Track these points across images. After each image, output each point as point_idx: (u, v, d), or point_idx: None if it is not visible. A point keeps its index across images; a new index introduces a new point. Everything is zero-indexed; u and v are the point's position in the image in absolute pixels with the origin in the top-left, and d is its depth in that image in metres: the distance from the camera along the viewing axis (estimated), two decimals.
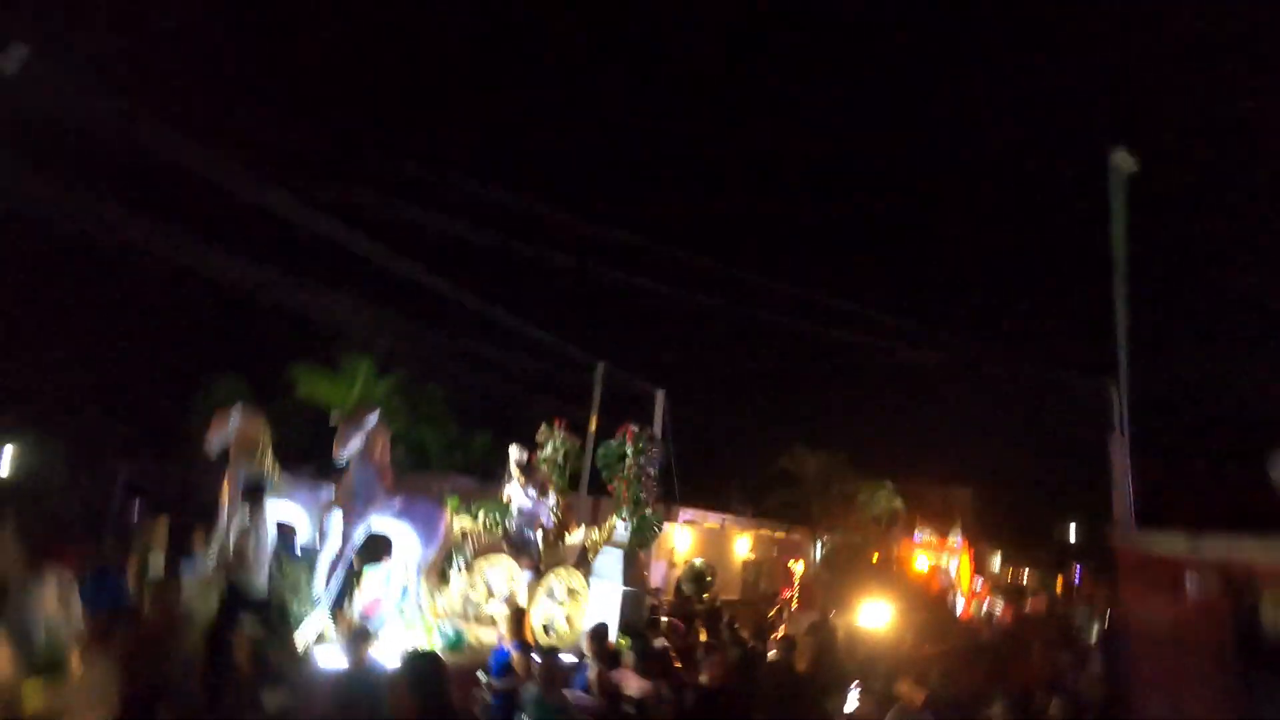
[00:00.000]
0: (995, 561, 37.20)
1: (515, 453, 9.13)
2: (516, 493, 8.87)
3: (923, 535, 27.38)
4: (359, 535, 6.64)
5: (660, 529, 9.53)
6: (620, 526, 9.31)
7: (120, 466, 18.49)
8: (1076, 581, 31.19)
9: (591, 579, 9.03)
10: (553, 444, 9.38)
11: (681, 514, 25.98)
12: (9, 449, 21.65)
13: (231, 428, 7.26)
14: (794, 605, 11.95)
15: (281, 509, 7.22)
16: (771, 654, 8.10)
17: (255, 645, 6.31)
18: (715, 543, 28.01)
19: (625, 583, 8.96)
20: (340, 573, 6.50)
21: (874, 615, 11.97)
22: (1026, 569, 38.46)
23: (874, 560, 23.38)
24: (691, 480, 27.79)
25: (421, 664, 3.44)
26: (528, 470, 9.01)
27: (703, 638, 9.58)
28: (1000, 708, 5.50)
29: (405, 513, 7.06)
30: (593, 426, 20.94)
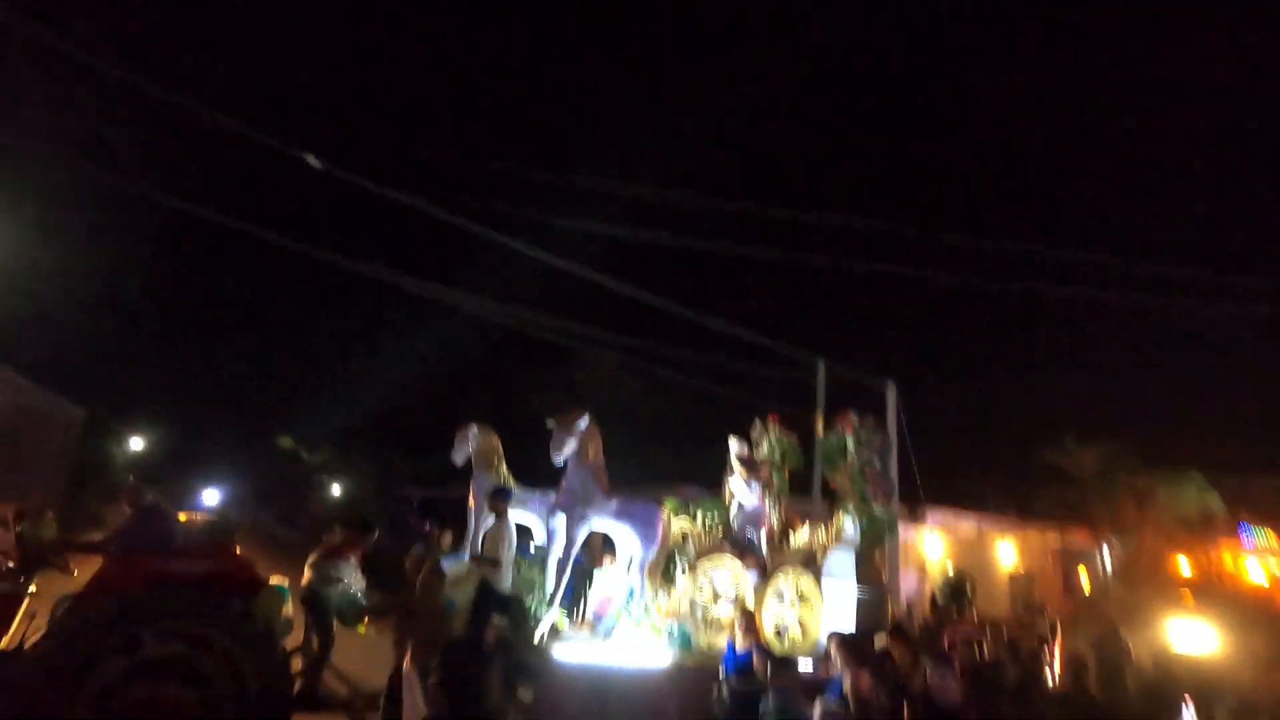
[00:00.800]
0: None
1: (735, 445, 8.90)
2: (738, 487, 8.65)
3: (1256, 538, 22.43)
4: (581, 535, 6.95)
5: (895, 528, 8.74)
6: (848, 525, 8.68)
7: (414, 492, 22.59)
8: None
9: (823, 579, 8.53)
10: (767, 441, 9.05)
11: (929, 516, 23.90)
12: (335, 484, 27.56)
13: (471, 443, 8.07)
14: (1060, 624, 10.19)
15: (517, 515, 7.81)
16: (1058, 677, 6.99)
17: (502, 637, 6.84)
18: (973, 549, 25.34)
19: (859, 582, 8.33)
20: (568, 571, 6.84)
21: (1191, 637, 9.87)
22: None
23: (1183, 571, 19.54)
24: (938, 480, 25.61)
25: None
26: (748, 464, 8.77)
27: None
28: None
29: (623, 513, 7.25)
30: (819, 428, 20.01)
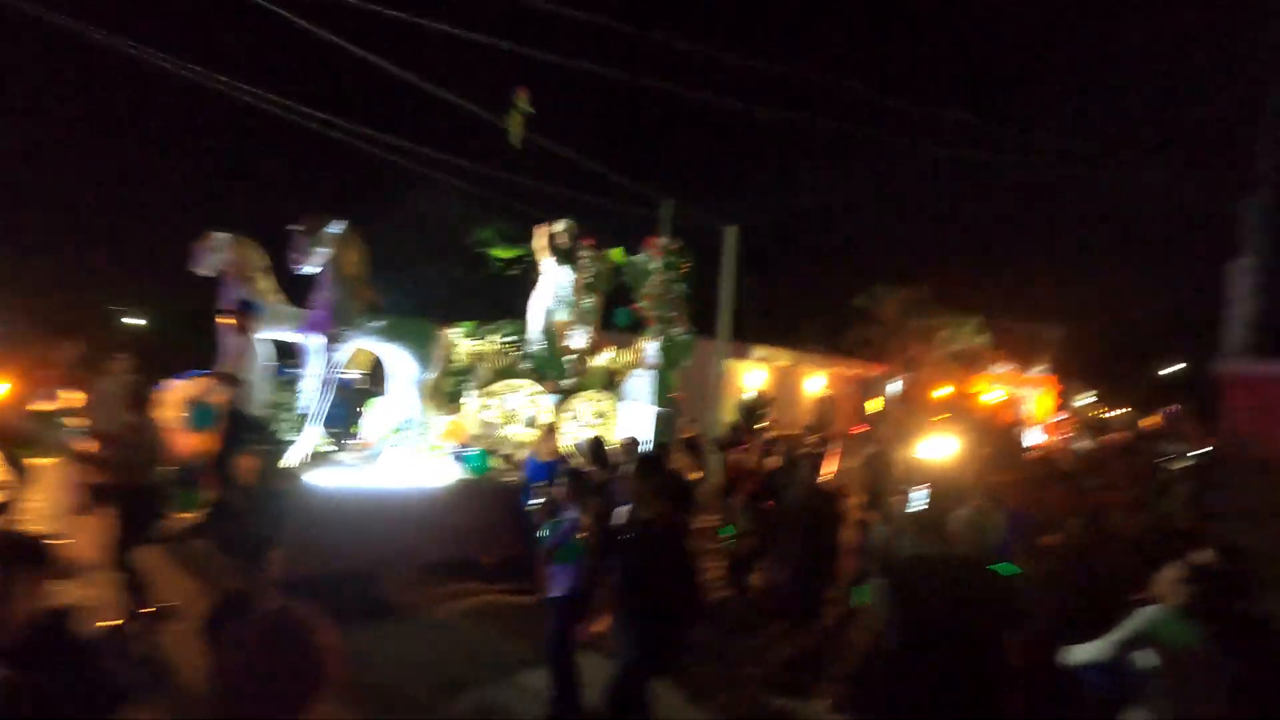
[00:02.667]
0: (1086, 399, 34.75)
1: (562, 225, 8.21)
2: (550, 269, 8.02)
3: (1000, 368, 25.38)
4: (341, 355, 5.94)
5: (691, 351, 8.50)
6: (649, 348, 8.34)
7: None
8: (1171, 417, 28.77)
9: (621, 402, 8.24)
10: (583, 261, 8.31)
11: (753, 351, 25.05)
12: None
13: (221, 254, 6.68)
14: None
15: (278, 333, 6.69)
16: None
17: (261, 464, 5.96)
18: (788, 381, 27.08)
19: (657, 404, 8.11)
20: (327, 394, 5.87)
21: (935, 448, 10.89)
22: (1118, 409, 35.87)
23: (944, 395, 21.81)
24: (764, 318, 26.60)
25: None
26: (571, 248, 8.12)
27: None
28: (1075, 525, 4.94)
29: (393, 333, 6.29)
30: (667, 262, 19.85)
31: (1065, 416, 26.41)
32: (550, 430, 6.74)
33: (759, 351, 25.10)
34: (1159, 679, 2.97)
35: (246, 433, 5.80)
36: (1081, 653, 3.27)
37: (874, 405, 28.75)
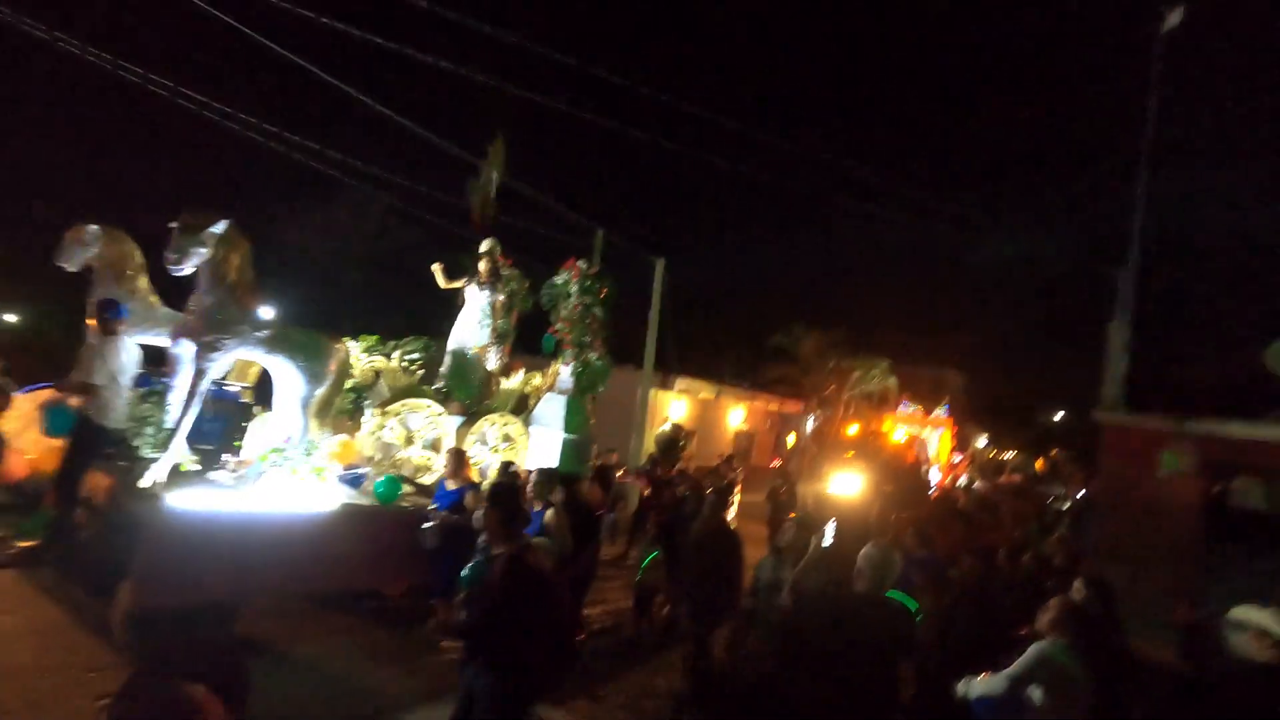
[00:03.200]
0: (980, 441, 36.46)
1: (487, 244, 7.81)
2: (475, 295, 7.62)
3: (906, 409, 26.28)
4: (214, 366, 5.30)
5: (607, 376, 8.21)
6: (564, 372, 8.01)
7: None
8: (1054, 462, 30.47)
9: (532, 427, 7.85)
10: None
11: (677, 383, 25.05)
12: None
13: (92, 248, 5.99)
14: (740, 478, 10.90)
15: (153, 339, 6.02)
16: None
17: (114, 483, 5.28)
18: (710, 413, 27.16)
19: (567, 430, 7.75)
20: (192, 408, 5.22)
21: (845, 484, 11.14)
22: (1010, 452, 37.80)
23: (854, 433, 22.33)
24: (689, 350, 26.76)
25: None
26: (492, 268, 7.75)
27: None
28: (969, 562, 5.16)
29: (279, 345, 5.70)
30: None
31: (962, 458, 27.51)
32: (460, 455, 6.29)
33: (682, 383, 25.16)
34: (1044, 710, 3.15)
35: (99, 446, 5.13)
36: (979, 687, 3.38)
37: (790, 440, 29.26)
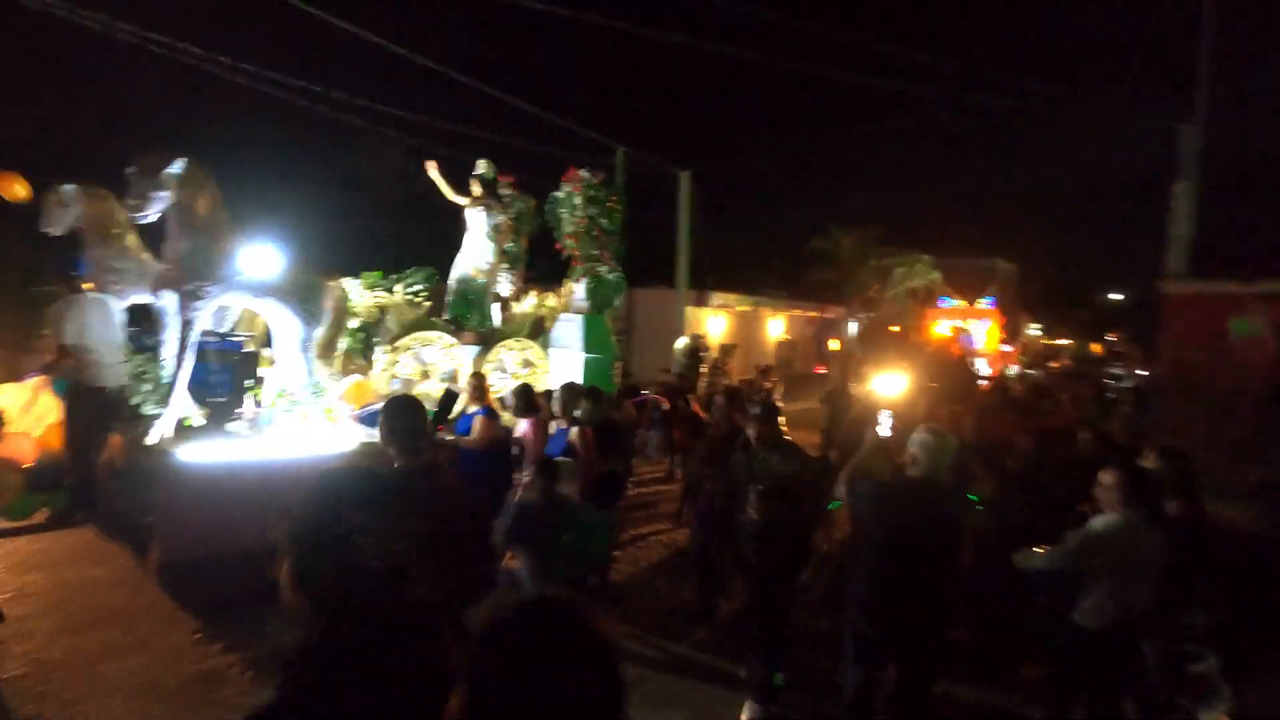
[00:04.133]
0: (1033, 329, 34.86)
1: (481, 165, 7.21)
2: (475, 217, 7.09)
3: (950, 303, 25.07)
4: (200, 314, 4.98)
5: (623, 290, 7.66)
6: (578, 290, 7.52)
7: None
8: (1112, 345, 28.92)
9: (551, 349, 7.45)
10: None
11: (713, 298, 24.34)
12: None
13: (72, 209, 5.65)
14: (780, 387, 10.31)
15: (147, 298, 5.73)
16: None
17: (127, 442, 5.12)
18: (749, 326, 26.48)
19: (588, 350, 7.32)
20: (190, 359, 4.95)
21: (890, 385, 10.51)
22: (1065, 339, 36.08)
23: (899, 332, 21.44)
24: (724, 265, 25.89)
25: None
26: (488, 186, 7.13)
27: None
28: (1025, 443, 5.08)
29: (268, 288, 5.34)
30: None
31: (1013, 348, 26.33)
32: (481, 380, 5.86)
33: (719, 298, 24.45)
34: (1104, 580, 3.09)
35: (93, 407, 4.94)
36: (1036, 559, 3.32)
37: (833, 345, 28.47)
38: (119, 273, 5.75)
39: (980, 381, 15.57)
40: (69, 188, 5.66)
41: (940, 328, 22.97)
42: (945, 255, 28.82)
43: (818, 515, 4.02)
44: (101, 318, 5.31)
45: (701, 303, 23.57)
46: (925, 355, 15.58)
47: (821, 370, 24.08)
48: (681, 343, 7.27)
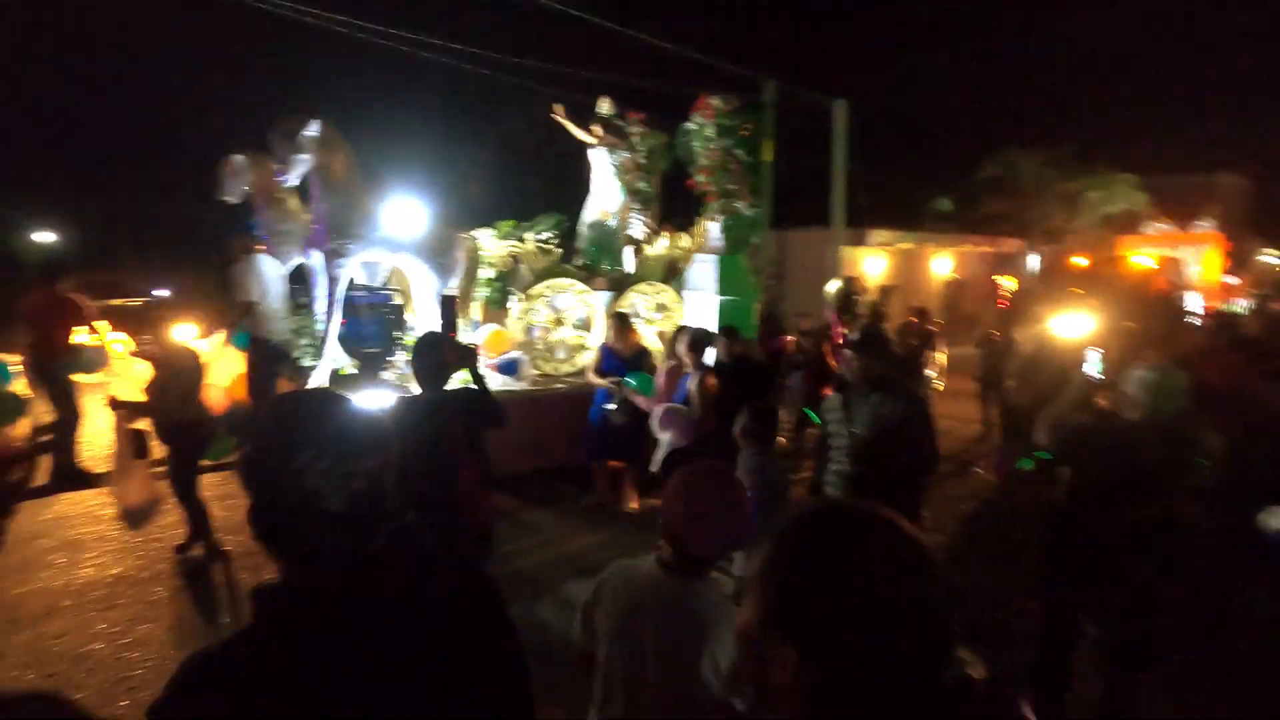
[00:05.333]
0: (1269, 255, 28.84)
1: (604, 104, 6.81)
2: (599, 158, 6.74)
3: (1156, 228, 21.20)
4: (343, 271, 5.11)
5: (763, 227, 6.96)
6: (713, 229, 6.97)
7: None
8: None
9: (685, 292, 7.02)
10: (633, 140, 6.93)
11: (872, 237, 22.47)
12: None
13: (244, 177, 6.03)
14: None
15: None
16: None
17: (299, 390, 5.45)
18: (910, 265, 24.29)
19: (723, 292, 6.80)
20: (338, 313, 5.12)
21: (1073, 325, 8.90)
22: None
23: (1091, 265, 18.52)
24: (883, 200, 23.79)
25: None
26: (611, 126, 6.69)
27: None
28: (1261, 387, 4.19)
29: (410, 243, 5.37)
30: (768, 155, 17.51)
31: (1239, 279, 21.91)
32: (625, 320, 5.57)
33: (878, 236, 22.53)
34: None
35: (268, 357, 5.28)
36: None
37: (1009, 283, 25.39)
38: (283, 234, 6.11)
39: (1191, 319, 13.04)
40: (239, 157, 6.04)
41: (1142, 258, 19.59)
42: (1152, 173, 24.40)
43: (924, 468, 3.38)
44: (271, 277, 5.67)
45: (859, 242, 21.85)
46: (1121, 290, 13.25)
47: (1003, 306, 21.57)
48: (833, 286, 6.53)
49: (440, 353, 3.33)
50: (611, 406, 5.26)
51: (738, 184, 6.66)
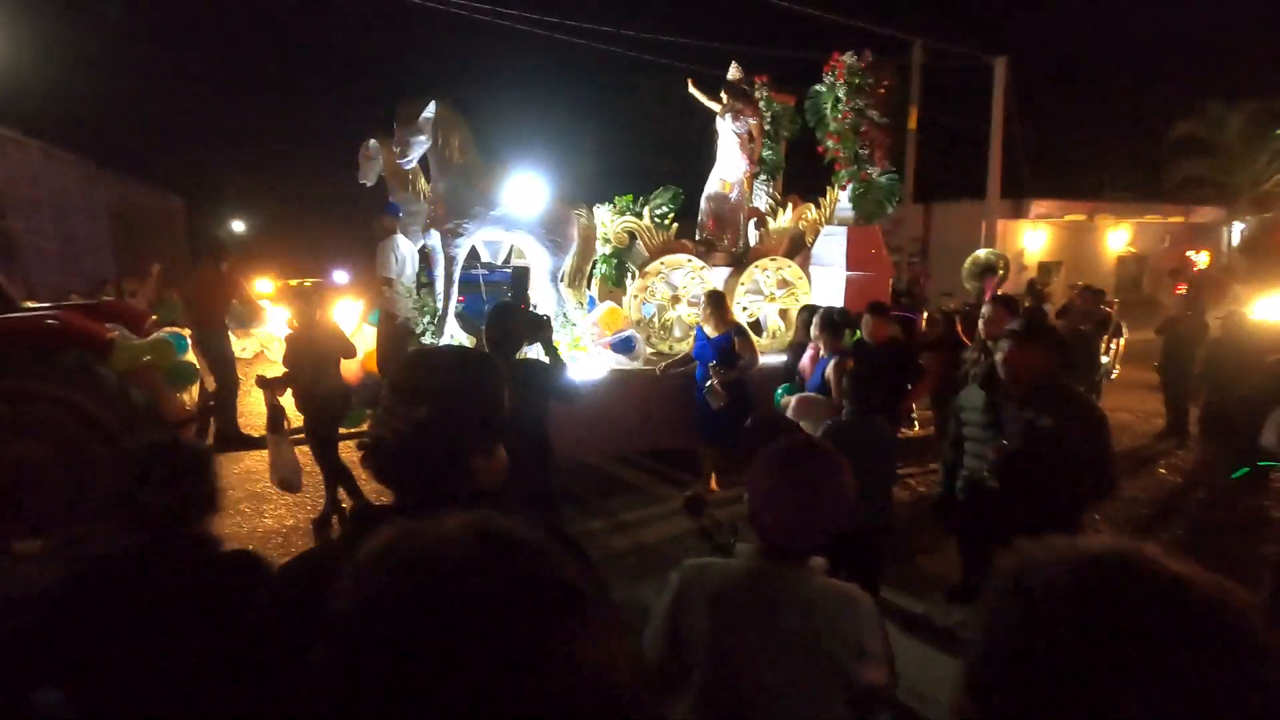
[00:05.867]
0: None
1: (733, 70, 6.38)
2: (723, 126, 6.29)
3: None
4: (460, 249, 5.13)
5: (896, 195, 6.22)
6: (843, 198, 6.34)
7: None
8: None
9: (812, 267, 6.48)
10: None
11: (1032, 208, 20.13)
12: None
13: (376, 160, 6.28)
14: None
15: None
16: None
17: None
18: (1080, 238, 21.52)
19: (851, 267, 6.19)
20: (454, 291, 5.18)
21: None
22: None
23: None
24: (1047, 167, 21.25)
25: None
26: (739, 93, 6.19)
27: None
28: None
29: (524, 221, 5.32)
30: (912, 122, 16.09)
31: None
32: (718, 299, 5.28)
33: (1040, 207, 20.17)
34: None
35: (402, 337, 5.45)
36: None
37: (1201, 258, 21.81)
38: (413, 215, 6.32)
39: None
40: (373, 142, 6.30)
41: None
42: None
43: (1094, 494, 2.70)
44: (406, 256, 5.88)
45: (1018, 214, 19.66)
46: None
47: (1180, 290, 18.76)
48: (972, 259, 5.69)
49: (505, 323, 3.26)
50: (708, 385, 4.99)
51: (871, 147, 6.00)
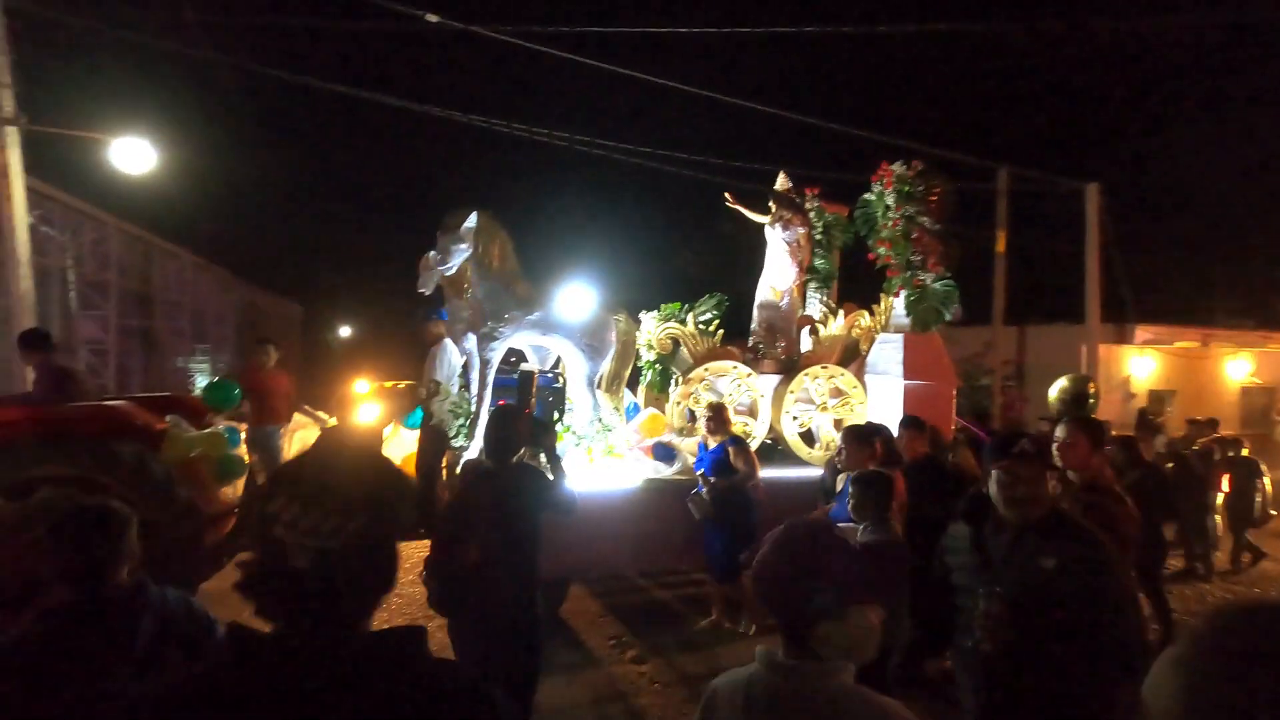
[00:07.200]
0: None
1: (781, 179, 6.44)
2: (772, 235, 6.21)
3: None
4: (494, 354, 5.14)
5: (954, 300, 5.77)
6: (897, 305, 5.96)
7: None
8: None
9: (868, 375, 6.01)
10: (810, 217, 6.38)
11: (1137, 333, 18.66)
12: None
13: (436, 271, 6.57)
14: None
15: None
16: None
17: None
18: (1196, 367, 19.62)
19: (908, 375, 5.67)
20: (488, 395, 5.12)
21: None
22: None
23: None
24: (1154, 291, 19.92)
25: None
26: (787, 203, 6.19)
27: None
28: None
29: (552, 325, 5.32)
30: (1000, 245, 15.65)
31: None
32: (718, 410, 5.04)
33: (1146, 332, 18.69)
34: None
35: (439, 441, 5.38)
36: None
37: None
38: (464, 320, 6.46)
39: None
40: (433, 253, 6.61)
41: None
42: None
43: (1121, 667, 1.99)
44: (453, 362, 5.95)
45: (1121, 340, 18.27)
46: None
47: None
48: (1058, 386, 5.03)
49: (505, 427, 3.16)
50: (694, 493, 4.72)
51: (924, 253, 5.70)
